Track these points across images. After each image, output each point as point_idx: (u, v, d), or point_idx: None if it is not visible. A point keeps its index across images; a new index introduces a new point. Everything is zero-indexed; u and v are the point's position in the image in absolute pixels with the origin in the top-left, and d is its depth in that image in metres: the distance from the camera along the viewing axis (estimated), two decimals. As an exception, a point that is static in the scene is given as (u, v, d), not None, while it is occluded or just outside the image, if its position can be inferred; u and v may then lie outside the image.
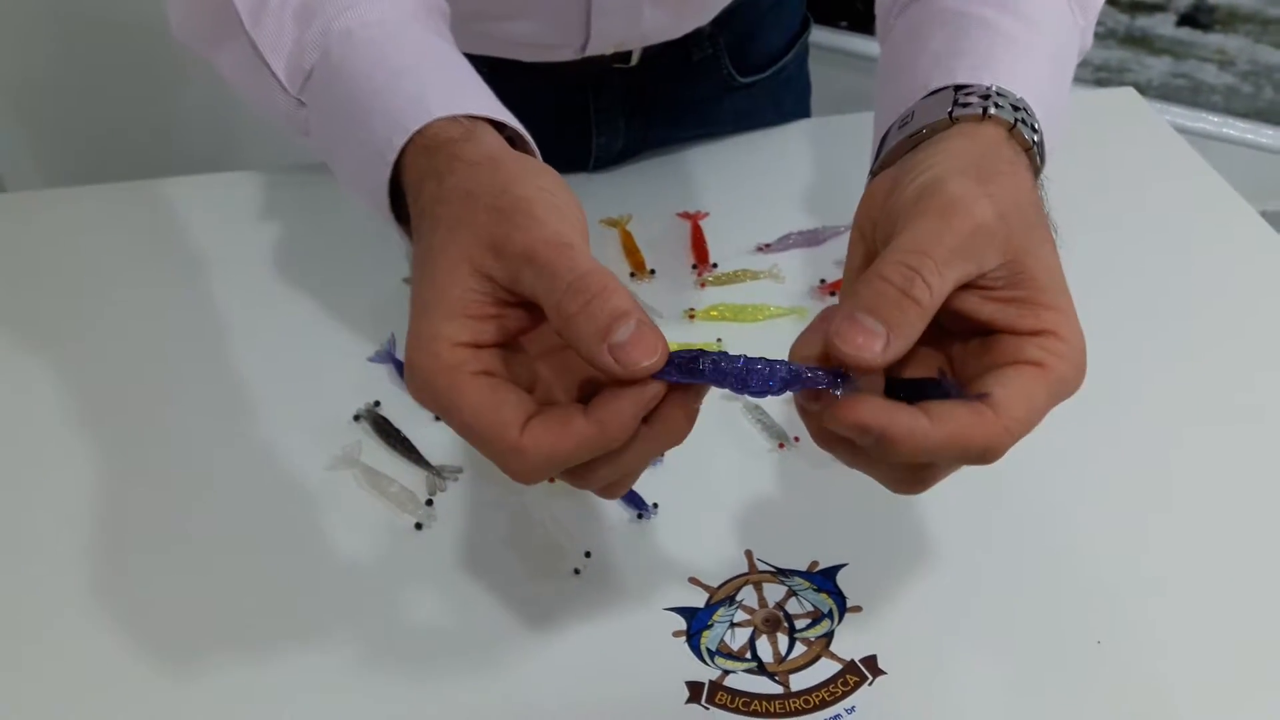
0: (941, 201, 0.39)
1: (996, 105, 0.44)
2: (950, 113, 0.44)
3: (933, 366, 0.41)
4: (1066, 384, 0.39)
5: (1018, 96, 0.45)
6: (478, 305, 0.37)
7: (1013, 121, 0.44)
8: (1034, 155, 0.44)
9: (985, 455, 0.38)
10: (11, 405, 0.66)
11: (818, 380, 0.38)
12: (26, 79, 1.58)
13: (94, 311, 0.73)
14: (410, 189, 0.43)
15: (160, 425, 0.65)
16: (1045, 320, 0.39)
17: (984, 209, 0.38)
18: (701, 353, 0.39)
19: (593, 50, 0.75)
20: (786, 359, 0.40)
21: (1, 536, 0.58)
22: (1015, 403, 0.38)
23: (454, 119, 0.42)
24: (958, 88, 0.45)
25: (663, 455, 0.63)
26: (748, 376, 0.38)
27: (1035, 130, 0.44)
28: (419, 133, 0.42)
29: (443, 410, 0.37)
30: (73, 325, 0.72)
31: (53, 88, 1.59)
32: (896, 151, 0.46)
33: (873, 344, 0.36)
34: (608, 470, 0.39)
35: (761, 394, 0.38)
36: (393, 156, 0.42)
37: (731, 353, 0.39)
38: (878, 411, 0.36)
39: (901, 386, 0.39)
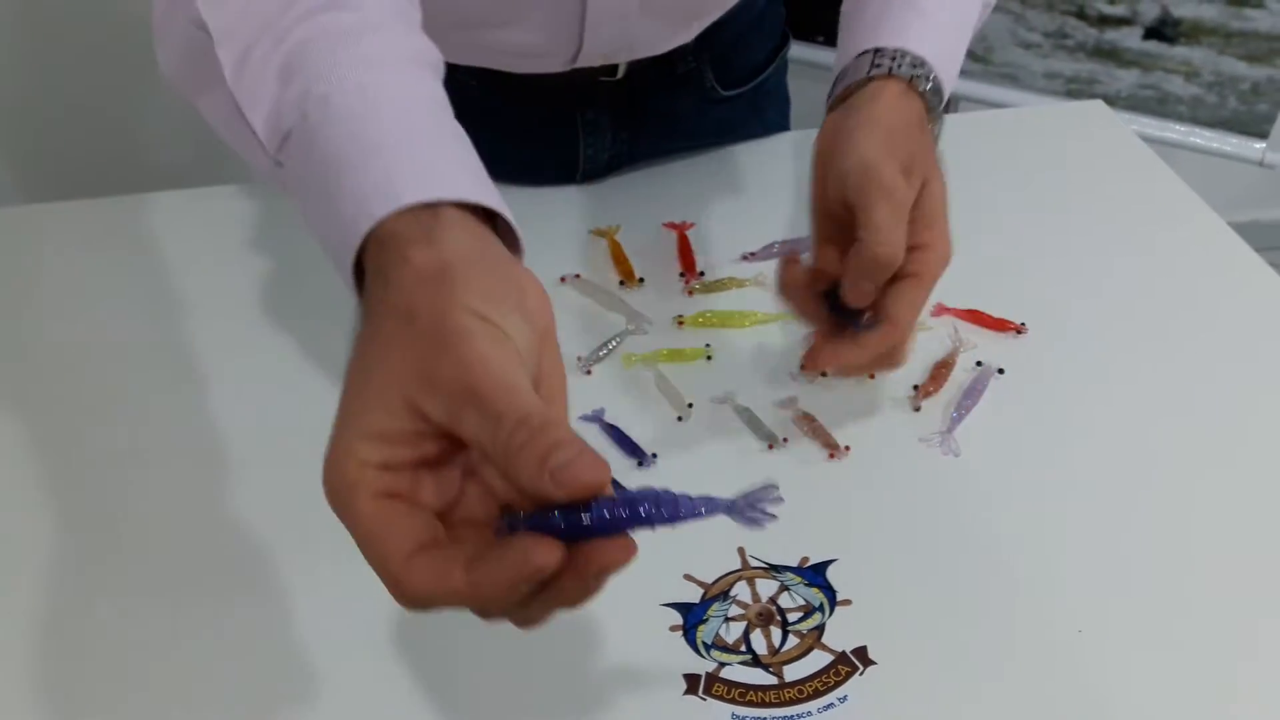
0: (879, 187, 0.57)
1: (898, 66, 0.61)
2: (868, 73, 0.62)
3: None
4: (937, 276, 0.59)
5: (918, 56, 0.61)
6: (397, 433, 0.36)
7: (909, 77, 0.61)
8: (925, 99, 0.62)
9: (894, 354, 0.61)
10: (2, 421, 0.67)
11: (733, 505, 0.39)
12: (4, 94, 1.57)
13: (86, 326, 0.74)
14: (368, 275, 0.41)
15: (153, 435, 0.66)
16: (921, 237, 0.58)
17: (901, 184, 0.57)
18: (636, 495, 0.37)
19: (583, 61, 0.76)
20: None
21: (10, 546, 0.60)
22: (905, 311, 0.59)
23: (415, 212, 0.40)
24: (876, 50, 0.62)
25: (651, 458, 0.64)
26: (677, 509, 0.37)
27: (929, 80, 0.62)
28: (377, 225, 0.40)
29: (343, 522, 0.37)
30: (62, 339, 0.73)
31: (31, 103, 1.59)
32: (839, 98, 0.63)
33: (868, 293, 0.58)
34: (502, 617, 0.38)
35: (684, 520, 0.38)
36: (356, 243, 0.41)
37: (658, 494, 0.37)
38: (831, 357, 0.60)
39: (838, 309, 0.59)
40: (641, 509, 0.36)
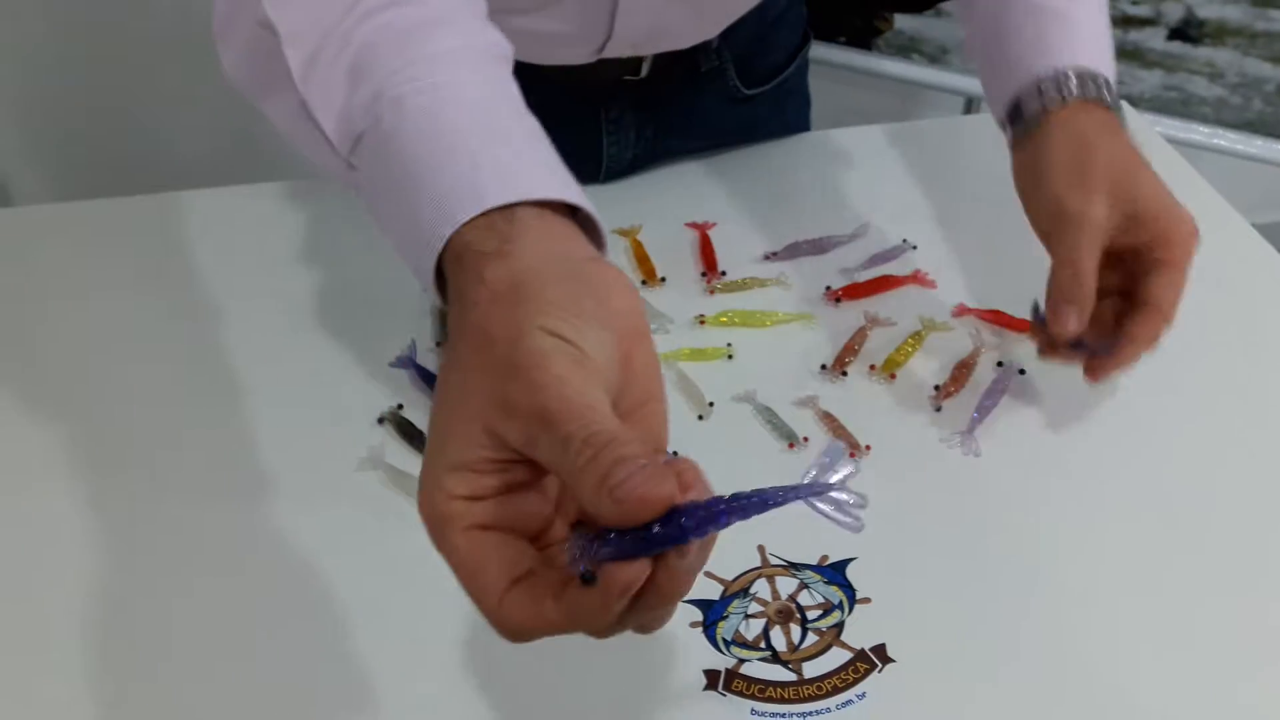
0: (1067, 220, 0.61)
1: (1069, 89, 0.63)
2: (1043, 105, 0.64)
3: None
4: (1189, 254, 0.60)
5: (1093, 71, 0.63)
6: (481, 462, 0.36)
7: (1094, 97, 0.63)
8: (1110, 109, 0.63)
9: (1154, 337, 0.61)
10: (26, 418, 0.68)
11: (818, 488, 0.38)
12: (33, 93, 1.59)
13: (116, 323, 0.75)
14: (450, 285, 0.41)
15: (186, 433, 0.67)
16: (1154, 230, 0.60)
17: (1092, 208, 0.60)
18: (718, 499, 0.35)
19: (610, 51, 0.76)
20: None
21: (22, 543, 0.60)
22: (1164, 294, 0.60)
23: (490, 219, 0.40)
24: (1040, 79, 0.64)
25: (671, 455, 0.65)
26: (766, 501, 0.36)
27: (1110, 91, 0.63)
28: (449, 243, 0.40)
29: (440, 554, 0.37)
30: (89, 338, 0.74)
31: (59, 101, 1.60)
32: (1020, 134, 0.66)
33: (1070, 319, 0.60)
34: (613, 631, 0.37)
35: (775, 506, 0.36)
36: (438, 247, 0.41)
37: (738, 491, 0.36)
38: (1110, 363, 0.62)
39: (1081, 345, 0.62)
40: (715, 513, 0.34)
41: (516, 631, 0.36)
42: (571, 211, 0.42)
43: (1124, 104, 0.70)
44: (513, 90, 0.47)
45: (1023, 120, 0.65)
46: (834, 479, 0.37)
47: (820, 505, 0.37)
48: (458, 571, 0.36)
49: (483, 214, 0.40)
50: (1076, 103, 0.63)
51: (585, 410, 0.35)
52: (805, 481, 0.36)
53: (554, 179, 0.42)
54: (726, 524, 0.34)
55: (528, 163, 0.43)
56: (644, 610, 0.36)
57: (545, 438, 0.35)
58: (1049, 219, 0.62)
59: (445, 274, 0.41)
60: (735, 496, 0.35)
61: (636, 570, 0.34)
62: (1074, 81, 0.63)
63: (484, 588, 0.36)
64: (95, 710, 0.53)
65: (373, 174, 0.45)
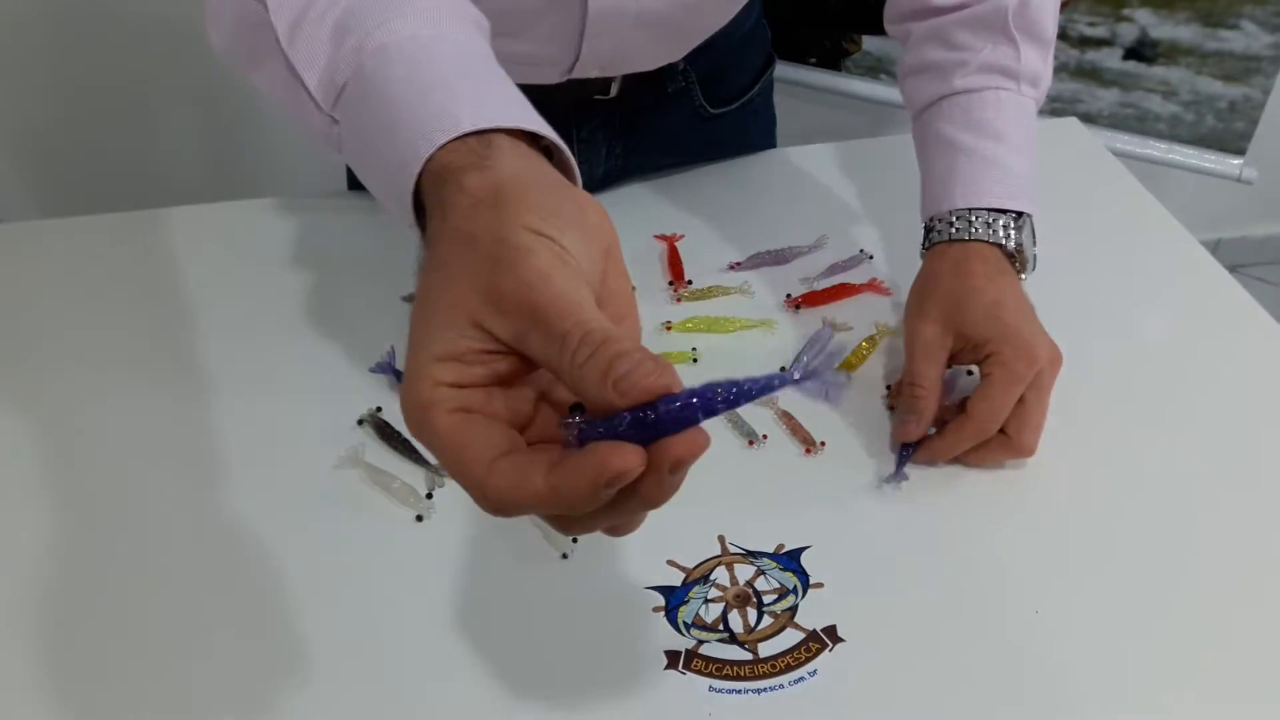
0: (909, 341, 0.70)
1: (970, 226, 0.71)
2: (926, 244, 0.74)
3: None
4: (1017, 375, 0.65)
5: (992, 210, 0.71)
6: (468, 352, 0.37)
7: (971, 238, 0.71)
8: (1003, 249, 0.71)
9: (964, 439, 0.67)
10: (13, 428, 0.71)
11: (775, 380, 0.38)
12: (20, 109, 1.61)
13: (99, 334, 0.78)
14: (428, 207, 0.42)
15: (170, 434, 0.70)
16: (985, 350, 0.66)
17: (925, 330, 0.69)
18: (705, 388, 0.36)
19: (579, 72, 0.80)
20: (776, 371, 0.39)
21: (8, 547, 0.63)
22: (979, 406, 0.65)
23: (468, 142, 0.41)
24: (948, 213, 0.72)
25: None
26: (749, 391, 0.36)
27: (1005, 229, 0.71)
28: (434, 154, 0.41)
29: (424, 443, 0.38)
30: (75, 350, 0.77)
31: (47, 118, 1.62)
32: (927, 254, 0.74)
33: (911, 428, 0.67)
34: (586, 525, 0.38)
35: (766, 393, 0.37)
36: (416, 168, 0.42)
37: (711, 382, 0.36)
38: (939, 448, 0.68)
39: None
40: (710, 395, 0.35)
41: (501, 501, 0.36)
42: (547, 155, 0.44)
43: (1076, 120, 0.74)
44: (488, 52, 0.49)
45: (926, 242, 0.74)
46: (818, 363, 0.39)
47: (809, 385, 0.39)
48: (443, 452, 0.37)
49: (460, 137, 0.41)
50: (941, 245, 0.71)
51: (576, 307, 0.36)
52: (794, 364, 0.37)
53: (529, 117, 0.44)
54: (725, 409, 0.36)
55: (505, 100, 0.45)
56: (623, 511, 0.37)
57: (537, 333, 0.36)
58: (905, 341, 0.71)
59: (424, 202, 0.42)
60: (729, 383, 0.36)
61: (633, 460, 0.35)
62: (949, 224, 0.71)
63: (470, 460, 0.36)
64: (65, 706, 0.55)
65: (354, 120, 0.47)
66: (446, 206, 0.40)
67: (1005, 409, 0.65)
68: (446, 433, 0.36)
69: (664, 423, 0.35)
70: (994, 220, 0.71)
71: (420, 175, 0.42)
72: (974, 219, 0.71)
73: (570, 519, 0.38)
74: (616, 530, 0.39)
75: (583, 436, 0.36)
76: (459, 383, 0.37)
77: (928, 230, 0.74)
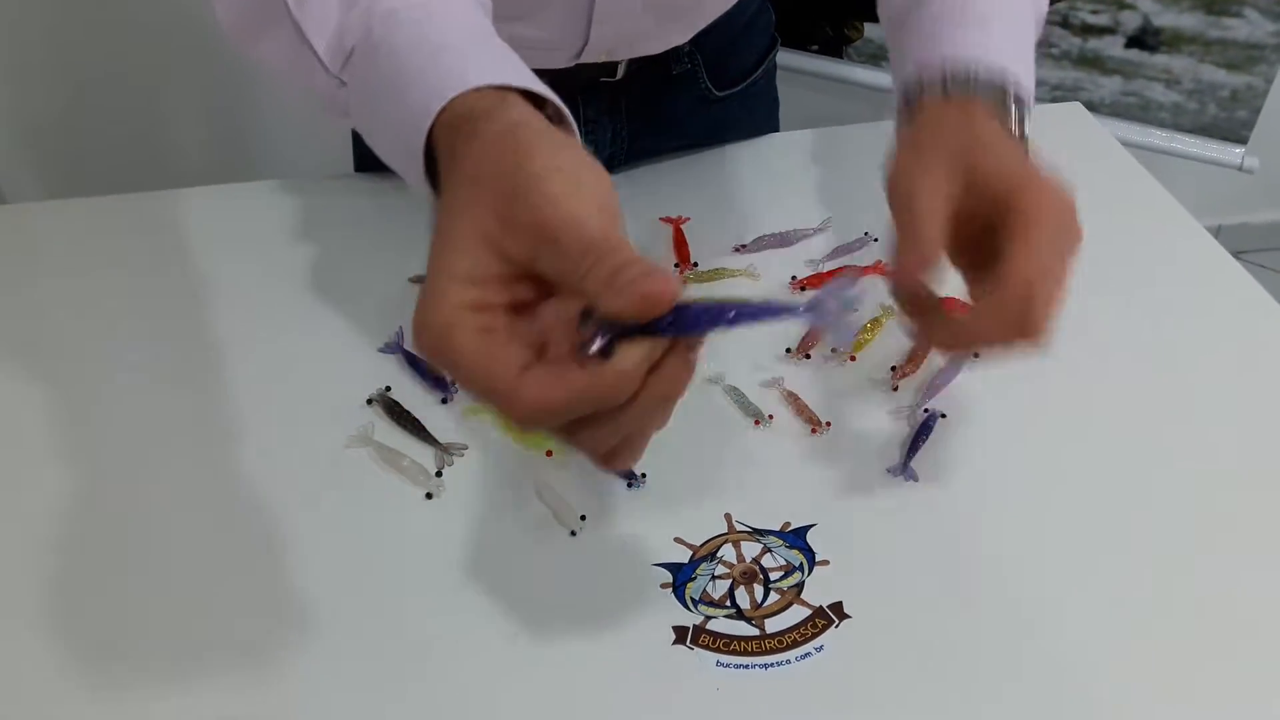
0: (903, 198, 0.53)
1: (947, 86, 0.57)
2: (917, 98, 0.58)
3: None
4: (1048, 224, 0.50)
5: (972, 67, 0.57)
6: (486, 275, 0.38)
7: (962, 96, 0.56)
8: (999, 105, 0.57)
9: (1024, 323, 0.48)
10: (21, 411, 0.71)
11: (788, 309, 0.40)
12: (26, 91, 1.61)
13: (106, 316, 0.78)
14: (440, 160, 0.43)
15: (181, 414, 0.70)
16: (1017, 199, 0.50)
17: (922, 180, 0.52)
18: (716, 305, 0.38)
19: (587, 56, 0.80)
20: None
21: (20, 528, 0.63)
22: (1016, 267, 0.48)
23: (483, 92, 0.43)
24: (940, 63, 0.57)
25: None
26: (756, 314, 0.38)
27: (995, 87, 0.57)
28: (447, 106, 0.43)
29: (444, 364, 0.38)
30: (83, 330, 0.77)
31: (53, 100, 1.62)
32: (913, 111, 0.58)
33: (912, 264, 0.51)
34: (608, 430, 0.39)
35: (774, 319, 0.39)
36: (428, 123, 0.43)
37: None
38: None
39: None
40: (719, 310, 0.37)
41: (531, 411, 0.37)
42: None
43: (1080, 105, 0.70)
44: (493, 29, 0.51)
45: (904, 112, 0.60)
46: (834, 300, 0.40)
47: (817, 314, 0.40)
48: (468, 369, 0.37)
49: (471, 91, 0.43)
50: (939, 101, 0.57)
51: (581, 223, 0.38)
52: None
53: (537, 83, 0.45)
54: (732, 325, 0.38)
55: (513, 66, 0.46)
56: (648, 407, 0.39)
57: (547, 250, 0.38)
58: (891, 200, 0.55)
59: (436, 156, 0.43)
60: (740, 302, 0.38)
61: (653, 344, 0.37)
62: (945, 78, 0.57)
63: (497, 373, 0.37)
64: (82, 684, 0.56)
65: (363, 83, 0.48)
66: (458, 155, 0.41)
67: (1059, 270, 0.49)
68: (472, 350, 0.37)
69: (678, 326, 0.37)
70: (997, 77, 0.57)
71: (431, 130, 0.43)
72: (973, 79, 0.57)
73: (595, 425, 0.39)
74: (645, 430, 0.40)
75: (599, 335, 0.38)
76: (478, 304, 0.38)
77: (910, 95, 0.59)
